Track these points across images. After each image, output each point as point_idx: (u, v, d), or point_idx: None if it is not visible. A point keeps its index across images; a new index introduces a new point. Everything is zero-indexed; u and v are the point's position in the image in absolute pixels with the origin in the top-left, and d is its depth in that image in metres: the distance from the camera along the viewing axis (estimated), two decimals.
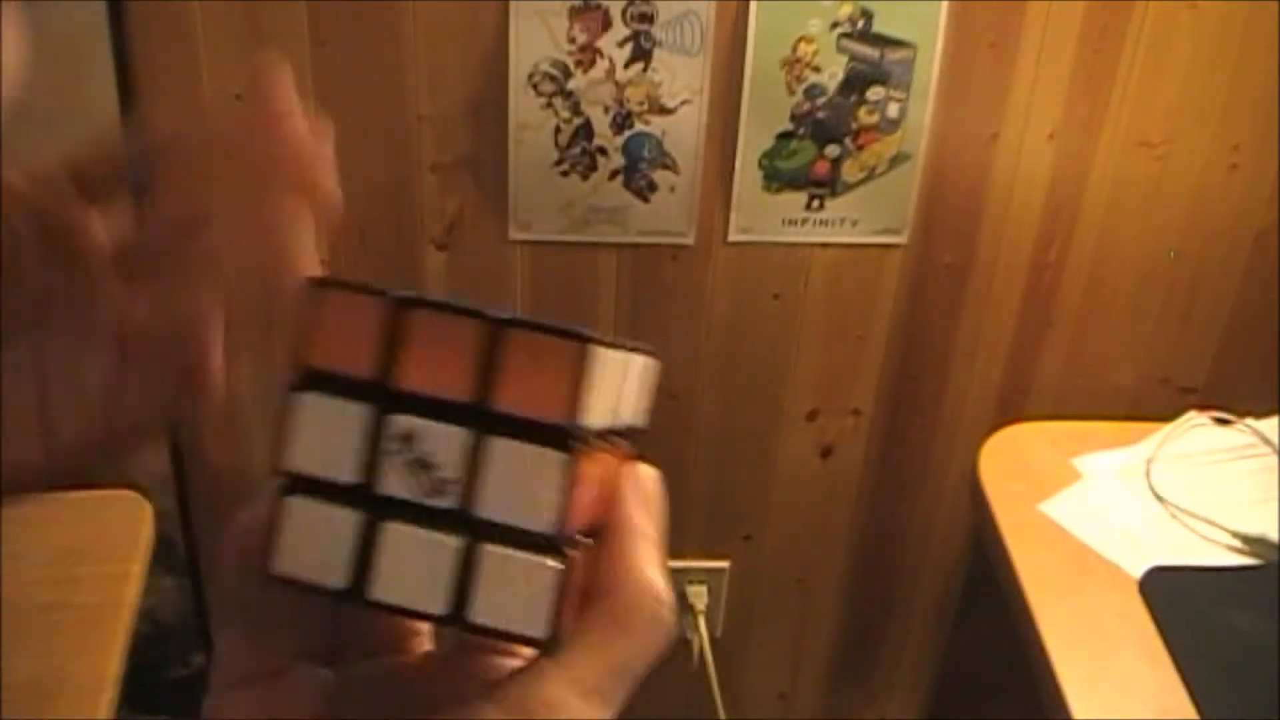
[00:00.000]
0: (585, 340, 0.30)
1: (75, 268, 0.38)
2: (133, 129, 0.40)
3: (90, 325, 0.38)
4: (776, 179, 1.33)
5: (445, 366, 0.30)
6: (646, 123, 1.29)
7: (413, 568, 0.30)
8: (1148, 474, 1.29)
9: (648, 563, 0.33)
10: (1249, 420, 1.35)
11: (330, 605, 0.31)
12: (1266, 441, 1.32)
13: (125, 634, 1.09)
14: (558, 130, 1.29)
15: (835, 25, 1.24)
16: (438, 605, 0.30)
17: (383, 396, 0.31)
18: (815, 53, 1.26)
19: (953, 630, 1.66)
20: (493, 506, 0.30)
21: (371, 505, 0.31)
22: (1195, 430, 1.35)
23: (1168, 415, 1.36)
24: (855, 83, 1.28)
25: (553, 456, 0.30)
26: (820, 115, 1.30)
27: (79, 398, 0.37)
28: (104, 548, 1.18)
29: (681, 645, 1.64)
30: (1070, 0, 1.26)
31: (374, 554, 0.30)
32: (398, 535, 0.30)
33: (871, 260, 1.40)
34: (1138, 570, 1.16)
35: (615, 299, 1.40)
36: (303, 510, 0.31)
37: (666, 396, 1.47)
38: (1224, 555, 1.19)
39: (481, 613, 0.30)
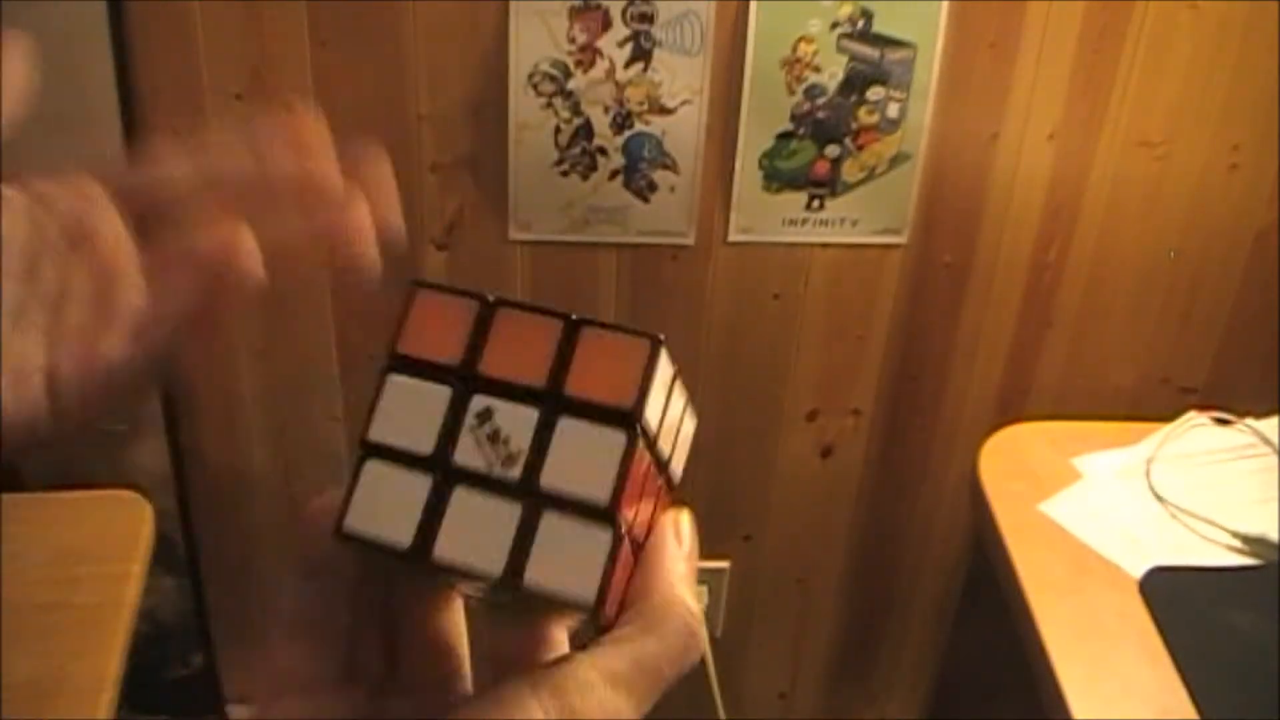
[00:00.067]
0: (652, 339, 0.34)
1: (99, 269, 0.39)
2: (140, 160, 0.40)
3: (104, 317, 0.38)
4: (776, 179, 1.33)
5: (524, 356, 0.34)
6: (646, 123, 1.29)
7: (475, 531, 0.33)
8: (1148, 474, 1.29)
9: (679, 581, 0.35)
10: (1249, 420, 1.35)
11: (394, 563, 0.34)
12: (1266, 441, 1.32)
13: (125, 634, 1.10)
14: (558, 130, 1.29)
15: (835, 25, 1.24)
16: (495, 566, 0.33)
17: (464, 382, 0.34)
18: (815, 53, 1.26)
19: (953, 630, 1.66)
20: (555, 478, 0.33)
21: (443, 474, 0.34)
22: (1195, 430, 1.35)
23: (1168, 415, 1.36)
24: (855, 83, 1.28)
25: (613, 436, 0.33)
26: (820, 115, 1.30)
27: (86, 358, 0.38)
28: (104, 548, 1.18)
29: None
30: (1070, 0, 1.26)
31: (440, 516, 0.33)
32: (465, 500, 0.33)
33: (871, 260, 1.40)
34: (1138, 570, 1.16)
35: (615, 299, 1.41)
36: (379, 474, 0.34)
37: None
38: (1224, 555, 1.19)
39: (535, 575, 0.32)
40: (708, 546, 1.59)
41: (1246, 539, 1.20)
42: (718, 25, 1.24)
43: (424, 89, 1.27)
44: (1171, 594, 1.14)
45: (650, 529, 0.36)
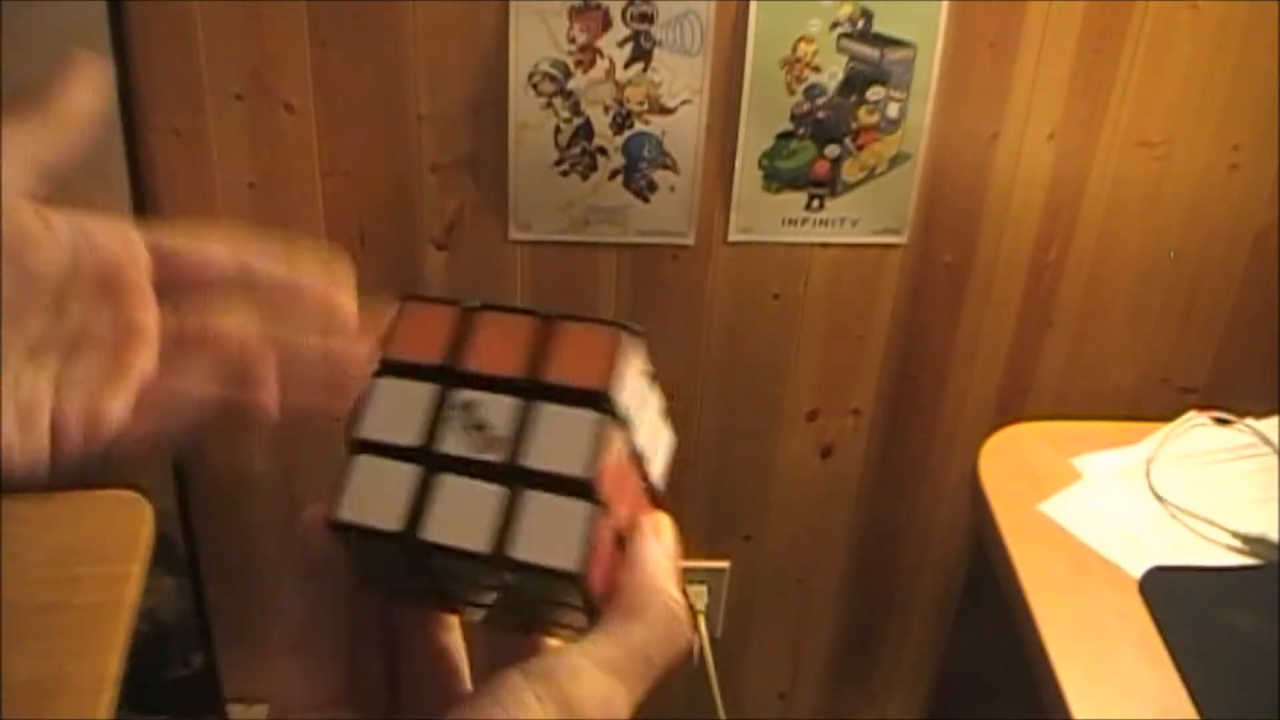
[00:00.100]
0: (623, 327, 0.36)
1: (122, 319, 0.39)
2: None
3: (118, 373, 0.38)
4: (776, 179, 1.33)
5: (503, 352, 0.36)
6: (646, 123, 1.29)
7: (462, 512, 0.34)
8: (1148, 474, 1.29)
9: (662, 574, 0.36)
10: (1249, 420, 1.35)
11: (386, 548, 0.35)
12: (1266, 441, 1.32)
13: (125, 634, 1.10)
14: (558, 130, 1.29)
15: (835, 25, 1.24)
16: (482, 544, 0.34)
17: (446, 378, 0.36)
18: (815, 53, 1.26)
19: (953, 630, 1.66)
20: (535, 459, 0.35)
21: (430, 462, 0.35)
22: (1195, 430, 1.35)
23: (1168, 415, 1.36)
24: (855, 83, 1.28)
25: (587, 414, 0.35)
26: (820, 115, 1.30)
27: (93, 421, 0.38)
28: (104, 548, 1.18)
29: None
30: (1070, 0, 1.26)
31: (429, 501, 0.35)
32: (451, 484, 0.35)
33: (871, 260, 1.40)
34: (1138, 570, 1.16)
35: (615, 299, 1.40)
36: (368, 467, 0.36)
37: (666, 396, 1.47)
38: (1224, 555, 1.19)
39: (521, 549, 0.34)
40: (708, 546, 1.60)
41: (1246, 539, 1.20)
42: (718, 25, 1.24)
43: (424, 89, 1.27)
44: (1171, 594, 1.14)
45: (632, 528, 0.37)
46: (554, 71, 1.25)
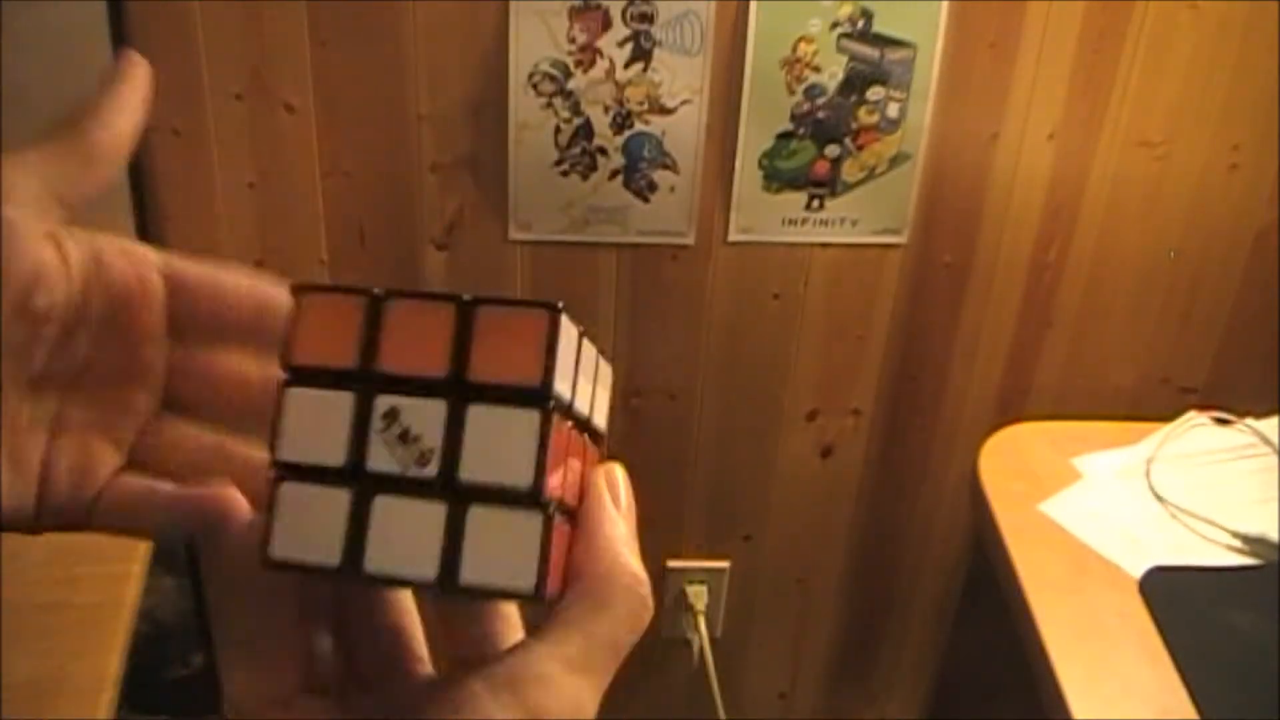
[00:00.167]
0: (550, 307, 0.32)
1: (128, 355, 0.36)
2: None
3: (116, 413, 0.36)
4: (776, 179, 1.33)
5: (422, 348, 0.33)
6: (646, 123, 1.29)
7: (403, 538, 0.32)
8: (1148, 474, 1.29)
9: (622, 545, 0.34)
10: (1249, 420, 1.35)
11: (328, 583, 0.33)
12: (1266, 441, 1.32)
13: (125, 634, 1.09)
14: (558, 130, 1.29)
15: (835, 25, 1.24)
16: (429, 571, 0.32)
17: (365, 383, 0.33)
18: (815, 53, 1.26)
19: (953, 630, 1.66)
20: (474, 469, 0.32)
21: (361, 484, 0.32)
22: (1195, 430, 1.35)
23: (1168, 415, 1.36)
24: (855, 83, 1.28)
25: (526, 415, 0.32)
26: (820, 115, 1.30)
27: (80, 472, 0.35)
28: (104, 548, 1.18)
29: (681, 645, 1.64)
30: (1070, 0, 1.26)
31: (365, 529, 0.32)
32: (387, 508, 0.32)
33: (871, 260, 1.40)
34: (1138, 570, 1.16)
35: (615, 299, 1.40)
36: (296, 496, 0.33)
37: (666, 397, 1.47)
38: (1224, 555, 1.19)
39: (471, 573, 0.32)
40: (708, 546, 1.60)
41: (1246, 539, 1.20)
42: (718, 25, 1.24)
43: (424, 89, 1.27)
44: (1171, 594, 1.14)
45: (583, 490, 0.35)
46: (554, 71, 1.25)
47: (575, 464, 0.34)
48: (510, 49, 1.24)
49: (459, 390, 0.32)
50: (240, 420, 0.38)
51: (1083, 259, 1.41)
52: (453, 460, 0.32)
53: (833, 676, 1.74)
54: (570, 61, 1.25)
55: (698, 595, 1.61)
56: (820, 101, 1.29)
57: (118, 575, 1.15)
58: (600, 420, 0.36)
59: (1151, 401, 1.47)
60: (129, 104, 0.38)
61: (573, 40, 1.24)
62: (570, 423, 0.34)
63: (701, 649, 1.63)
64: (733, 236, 1.37)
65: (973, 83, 1.30)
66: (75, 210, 0.35)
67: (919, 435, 1.53)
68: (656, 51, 1.25)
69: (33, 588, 1.12)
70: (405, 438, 0.32)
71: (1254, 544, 1.19)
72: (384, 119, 1.29)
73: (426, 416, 0.32)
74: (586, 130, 1.29)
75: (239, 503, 0.35)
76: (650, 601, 0.34)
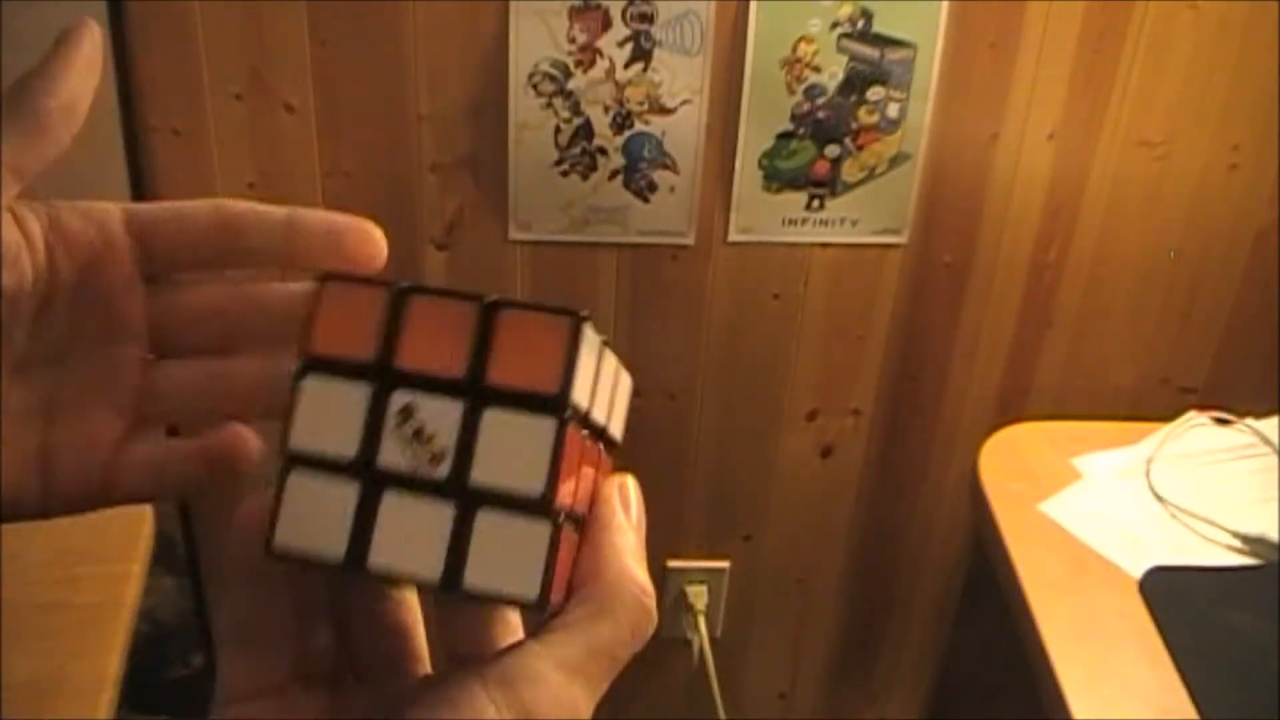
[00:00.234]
0: (573, 315, 0.32)
1: (107, 315, 0.36)
2: None
3: (108, 376, 0.36)
4: (776, 179, 1.33)
5: (442, 347, 0.32)
6: (646, 123, 1.29)
7: (409, 536, 0.32)
8: (1148, 474, 1.29)
9: (629, 555, 0.34)
10: (1249, 420, 1.35)
11: (330, 577, 0.33)
12: (1266, 441, 1.32)
13: (125, 634, 1.09)
14: (558, 130, 1.29)
15: (835, 25, 1.24)
16: (433, 571, 0.31)
17: (382, 378, 0.33)
18: (815, 53, 1.26)
19: (953, 630, 1.66)
20: (485, 473, 0.32)
21: (370, 480, 0.32)
22: (1195, 430, 1.35)
23: (1168, 415, 1.36)
24: (855, 83, 1.28)
25: (541, 423, 0.32)
26: (820, 115, 1.30)
27: (84, 450, 0.35)
28: (104, 548, 1.18)
29: (681, 645, 1.64)
30: (1070, 0, 1.26)
31: (372, 525, 0.32)
32: (395, 505, 0.32)
33: (871, 260, 1.40)
34: (1138, 570, 1.16)
35: (615, 299, 1.40)
36: (304, 486, 0.32)
37: (666, 397, 1.47)
38: (1224, 555, 1.19)
39: (475, 577, 0.31)
40: (708, 546, 1.60)
41: (1246, 539, 1.20)
42: (718, 25, 1.24)
43: (424, 89, 1.27)
44: (1171, 594, 1.14)
45: (594, 499, 0.35)
46: (554, 71, 1.25)
47: (588, 472, 0.34)
48: (510, 49, 1.24)
49: (476, 392, 0.32)
50: (228, 343, 0.37)
51: (1083, 259, 1.41)
52: (465, 462, 0.32)
53: (833, 676, 1.74)
54: (570, 61, 1.25)
55: (698, 595, 1.61)
56: (820, 101, 1.29)
57: (118, 575, 1.15)
58: (616, 430, 0.36)
59: (1151, 401, 1.47)
60: (78, 69, 0.36)
61: (573, 40, 1.24)
62: (586, 431, 0.34)
63: (701, 649, 1.63)
64: (733, 236, 1.37)
65: (973, 83, 1.30)
66: (29, 182, 0.34)
67: (919, 435, 1.53)
68: (656, 51, 1.25)
69: (33, 588, 1.12)
70: (419, 436, 0.32)
71: (1254, 544, 1.19)
72: (384, 119, 1.29)
73: (442, 416, 0.32)
74: (586, 130, 1.29)
75: (249, 439, 0.36)
76: (654, 614, 0.34)
